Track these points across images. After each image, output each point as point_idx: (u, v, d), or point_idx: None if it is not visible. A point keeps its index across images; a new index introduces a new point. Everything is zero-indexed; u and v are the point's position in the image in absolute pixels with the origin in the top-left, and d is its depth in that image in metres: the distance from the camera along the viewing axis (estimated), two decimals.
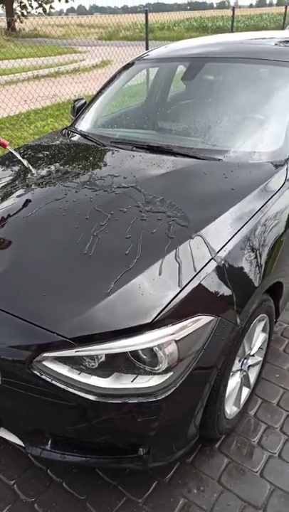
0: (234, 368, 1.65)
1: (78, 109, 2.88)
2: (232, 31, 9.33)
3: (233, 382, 1.71)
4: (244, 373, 1.82)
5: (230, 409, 1.74)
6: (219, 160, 1.95)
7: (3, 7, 30.19)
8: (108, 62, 13.80)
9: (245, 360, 1.78)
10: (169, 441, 1.45)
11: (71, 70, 13.29)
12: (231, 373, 1.62)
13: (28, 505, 1.60)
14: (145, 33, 5.98)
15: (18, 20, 27.73)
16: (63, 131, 2.67)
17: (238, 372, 1.76)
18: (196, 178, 1.84)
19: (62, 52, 13.73)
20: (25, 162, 2.16)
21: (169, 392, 1.31)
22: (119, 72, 2.90)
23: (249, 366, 1.84)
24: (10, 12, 28.87)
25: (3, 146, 2.22)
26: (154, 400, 1.30)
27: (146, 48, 6.15)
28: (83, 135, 2.47)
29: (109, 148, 2.24)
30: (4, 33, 21.05)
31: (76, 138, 2.48)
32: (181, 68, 2.84)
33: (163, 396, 1.30)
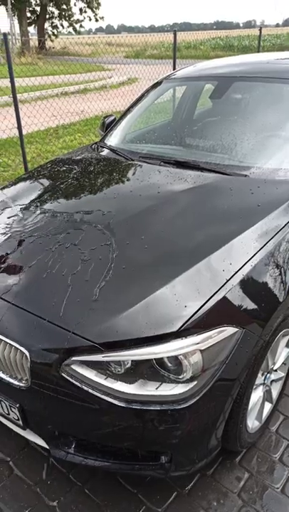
0: (257, 382, 1.66)
1: (108, 125, 2.98)
2: (258, 50, 9.44)
3: (256, 396, 1.72)
4: (267, 388, 1.82)
5: (252, 423, 1.74)
6: (246, 176, 1.99)
7: (35, 27, 31.41)
8: (135, 80, 14.13)
9: (268, 375, 1.79)
10: (190, 451, 1.47)
11: (99, 86, 13.65)
12: (254, 386, 1.63)
13: (50, 508, 1.63)
14: (173, 52, 6.11)
15: (48, 39, 28.75)
16: (93, 146, 2.77)
17: (261, 386, 1.76)
18: (223, 193, 1.88)
19: (90, 69, 14.12)
20: None
21: (193, 401, 1.33)
22: (149, 90, 3.00)
23: (272, 381, 1.84)
24: (41, 32, 29.99)
25: None
26: (178, 408, 1.32)
27: (174, 67, 6.28)
28: (112, 150, 2.55)
29: (137, 162, 2.31)
30: (35, 52, 21.88)
31: (105, 152, 2.57)
32: (208, 87, 2.93)
33: (186, 405, 1.33)
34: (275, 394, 1.89)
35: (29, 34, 28.73)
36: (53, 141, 6.82)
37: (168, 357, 1.32)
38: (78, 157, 2.58)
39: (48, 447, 1.55)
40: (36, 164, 5.48)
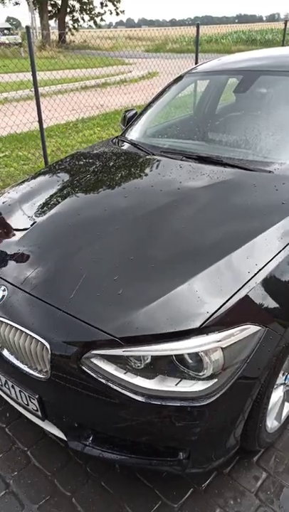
0: (278, 381, 1.63)
1: (129, 119, 2.97)
2: (283, 45, 9.25)
3: (276, 395, 1.69)
4: (287, 388, 1.79)
5: (272, 423, 1.72)
6: (270, 172, 1.96)
7: (56, 21, 31.50)
8: (155, 74, 14.04)
9: None
10: (208, 449, 1.46)
11: (118, 81, 13.62)
12: (275, 386, 1.61)
13: (67, 497, 1.65)
14: (195, 46, 6.04)
15: (69, 33, 28.82)
16: (114, 140, 2.76)
17: (282, 386, 1.74)
18: (246, 190, 1.85)
19: (110, 63, 14.08)
20: None
21: (213, 399, 1.32)
22: (171, 84, 2.97)
23: None
24: (62, 25, 30.07)
25: None
26: (197, 404, 1.31)
27: (196, 61, 6.21)
28: (133, 144, 2.54)
29: (159, 157, 2.29)
30: (55, 45, 21.94)
31: (126, 147, 2.56)
32: (231, 81, 2.88)
33: (206, 402, 1.31)
34: None
35: (50, 28, 28.91)
36: (72, 135, 6.84)
37: (188, 353, 1.31)
38: (99, 151, 2.57)
39: (65, 439, 1.56)
40: (56, 158, 5.51)
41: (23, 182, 2.39)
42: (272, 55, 2.82)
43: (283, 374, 1.71)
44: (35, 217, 1.92)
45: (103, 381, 1.35)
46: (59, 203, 2.02)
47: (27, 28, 4.01)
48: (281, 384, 1.73)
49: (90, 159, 2.47)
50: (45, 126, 4.48)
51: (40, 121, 4.31)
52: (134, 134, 2.73)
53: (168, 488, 1.67)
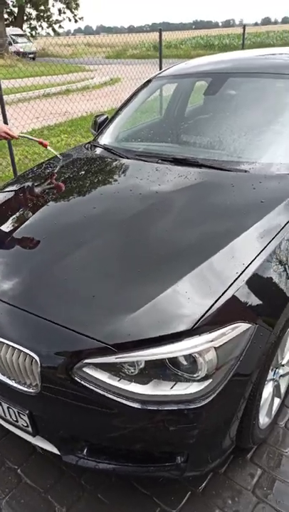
0: (268, 377, 1.65)
1: (100, 124, 2.95)
2: (243, 48, 9.50)
3: (267, 391, 1.71)
4: (276, 383, 1.81)
5: (263, 419, 1.73)
6: (246, 171, 1.99)
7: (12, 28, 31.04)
8: (117, 80, 14.08)
9: (277, 370, 1.78)
10: (206, 450, 1.45)
11: (81, 87, 13.56)
12: (266, 382, 1.62)
13: None
14: (159, 51, 6.11)
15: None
16: (86, 146, 2.73)
17: (271, 381, 1.76)
18: (225, 190, 1.87)
19: (71, 70, 14.02)
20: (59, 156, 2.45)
21: (209, 400, 1.31)
22: (140, 88, 2.97)
23: (280, 376, 1.84)
24: None
25: (44, 146, 2.53)
26: (194, 406, 1.30)
27: (160, 66, 6.27)
28: (107, 149, 2.52)
29: (134, 161, 2.28)
30: (14, 53, 21.69)
31: (100, 152, 2.53)
32: (199, 84, 2.92)
33: (203, 403, 1.31)
34: (283, 389, 1.89)
35: (7, 36, 28.52)
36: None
37: (182, 355, 1.30)
38: (73, 158, 2.54)
39: (59, 453, 1.51)
40: (24, 166, 5.41)
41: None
42: (238, 57, 2.88)
43: (272, 370, 1.73)
44: (11, 228, 1.87)
45: (97, 390, 1.31)
46: (35, 211, 1.97)
47: None
48: (270, 379, 1.75)
49: (63, 166, 2.43)
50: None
51: None
52: (107, 138, 2.71)
53: (165, 494, 1.65)
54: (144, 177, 2.07)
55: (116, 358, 1.31)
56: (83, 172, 2.26)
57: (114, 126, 2.79)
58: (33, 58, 24.93)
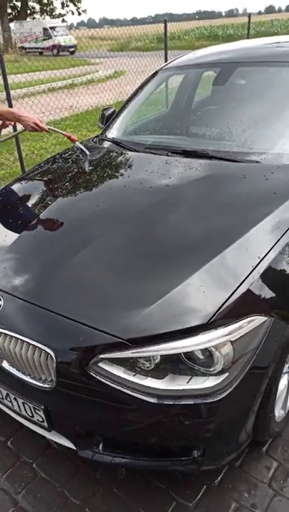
0: (284, 370, 1.63)
1: (108, 117, 2.92)
2: (248, 37, 9.37)
3: (282, 384, 1.69)
4: None
5: (279, 412, 1.72)
6: (257, 162, 1.96)
7: (15, 23, 30.94)
8: (122, 73, 13.98)
9: None
10: (222, 444, 1.44)
11: (85, 81, 13.49)
12: (281, 375, 1.61)
13: (78, 507, 1.60)
14: (164, 43, 6.04)
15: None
16: (94, 140, 2.71)
17: (287, 374, 1.74)
18: (237, 181, 1.84)
19: (75, 64, 13.94)
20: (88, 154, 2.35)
21: (226, 394, 1.30)
22: (148, 80, 2.94)
23: None
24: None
25: (73, 141, 2.42)
26: (211, 401, 1.29)
27: (166, 58, 6.20)
28: (116, 142, 2.50)
29: (144, 154, 2.26)
30: (18, 48, 21.61)
31: (109, 145, 2.51)
32: (206, 74, 2.88)
33: (220, 397, 1.30)
34: None
35: (11, 30, 28.36)
36: (46, 138, 6.72)
37: (198, 350, 1.29)
38: (82, 151, 2.52)
39: (75, 448, 1.52)
40: (31, 161, 5.40)
41: (4, 188, 2.31)
42: (246, 46, 2.84)
43: (287, 362, 1.72)
44: (24, 223, 1.86)
45: (112, 385, 1.31)
46: (46, 207, 1.96)
47: None
48: (286, 372, 1.73)
49: (72, 161, 2.41)
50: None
51: (14, 124, 4.19)
52: (115, 132, 2.69)
53: (181, 488, 1.65)
54: (154, 170, 2.05)
55: (132, 353, 1.30)
56: (92, 167, 2.24)
57: (122, 119, 2.77)
58: (72, 53, 22.97)
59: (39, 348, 1.37)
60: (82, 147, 2.40)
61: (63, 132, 2.51)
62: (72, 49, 23.97)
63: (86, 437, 1.49)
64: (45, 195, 2.05)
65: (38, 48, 25.47)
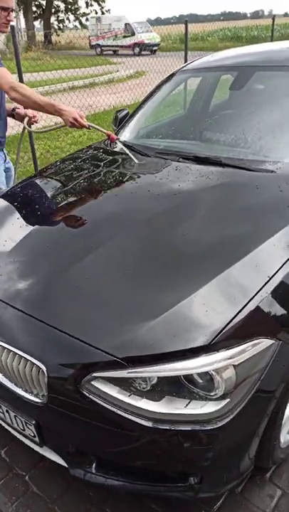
0: None
1: (121, 120, 2.85)
2: (272, 40, 9.19)
3: None
4: None
5: (285, 437, 1.62)
6: (272, 172, 1.86)
7: (41, 22, 31.24)
8: (142, 73, 13.92)
9: None
10: (222, 472, 1.36)
11: (106, 80, 13.47)
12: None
13: None
14: (184, 44, 5.94)
15: (55, 34, 28.60)
16: (106, 142, 2.64)
17: None
18: (249, 192, 1.75)
19: (96, 63, 13.94)
20: (130, 154, 2.18)
21: (226, 421, 1.22)
22: (164, 81, 2.86)
23: None
24: (47, 26, 29.82)
25: (112, 140, 2.31)
26: (210, 428, 1.21)
27: (185, 59, 6.11)
28: (127, 146, 2.43)
29: (154, 159, 2.18)
30: (41, 46, 21.74)
31: (119, 148, 2.44)
32: (224, 78, 2.78)
33: (219, 425, 1.21)
34: None
35: (35, 29, 28.54)
36: (61, 137, 6.71)
37: (198, 373, 1.21)
38: (91, 154, 2.46)
39: (66, 466, 1.45)
40: (46, 161, 5.37)
41: (10, 189, 2.27)
42: (266, 49, 2.73)
43: None
44: (26, 227, 1.80)
45: (106, 405, 1.24)
46: (51, 211, 1.91)
47: (12, 27, 3.88)
48: None
49: (81, 163, 2.35)
50: (33, 127, 4.34)
51: (28, 122, 4.16)
52: (127, 134, 2.62)
53: None
54: (164, 177, 1.97)
55: (128, 373, 1.22)
56: (99, 171, 2.17)
57: (134, 122, 2.70)
58: (154, 52, 20.06)
59: (31, 361, 1.31)
60: (124, 148, 2.24)
61: (104, 130, 2.38)
62: (155, 48, 21.29)
63: (78, 456, 1.42)
64: (47, 200, 1.99)
65: (116, 46, 23.24)
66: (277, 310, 1.32)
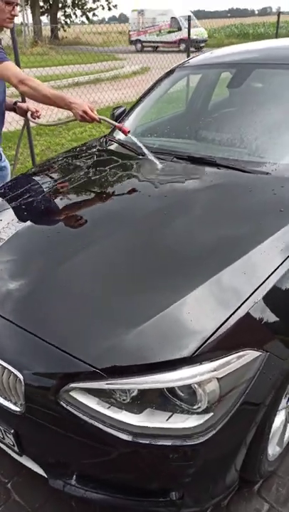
0: (280, 406, 1.48)
1: (117, 117, 2.79)
2: (276, 37, 9.08)
3: (278, 420, 1.54)
4: None
5: (273, 449, 1.57)
6: (267, 174, 1.80)
7: (48, 16, 31.09)
8: (148, 69, 13.82)
9: None
10: (206, 487, 1.31)
11: (111, 76, 13.38)
12: (277, 412, 1.46)
13: None
14: (187, 39, 5.86)
15: (61, 29, 28.41)
16: (101, 140, 2.59)
17: (284, 410, 1.59)
18: (242, 194, 1.69)
19: (102, 59, 13.84)
20: (145, 150, 2.05)
21: (209, 436, 1.16)
22: (161, 78, 2.80)
23: None
24: (54, 21, 29.64)
25: (124, 132, 2.18)
26: (192, 443, 1.16)
27: (188, 54, 6.03)
28: (121, 144, 2.37)
29: (147, 158, 2.12)
30: (48, 41, 21.62)
31: (114, 147, 2.39)
32: (225, 75, 2.71)
33: (201, 440, 1.16)
34: None
35: (42, 24, 28.33)
36: (63, 133, 6.65)
37: (180, 386, 1.15)
38: (85, 152, 2.41)
39: (46, 476, 1.41)
40: (45, 157, 5.32)
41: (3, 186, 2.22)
42: (267, 46, 2.66)
43: (285, 396, 1.56)
44: (11, 227, 1.75)
45: (83, 417, 1.19)
46: (39, 210, 1.86)
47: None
48: (283, 408, 1.58)
49: (75, 161, 2.30)
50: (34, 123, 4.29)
51: (26, 119, 4.11)
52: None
53: None
54: (156, 176, 1.92)
55: (106, 384, 1.17)
56: (92, 169, 2.12)
57: (130, 119, 2.63)
58: (200, 48, 18.35)
59: (8, 369, 1.26)
60: (136, 141, 2.12)
61: (115, 123, 2.31)
62: (203, 44, 19.76)
63: (58, 467, 1.38)
64: (35, 200, 1.92)
65: (160, 42, 21.24)
66: (265, 320, 1.27)
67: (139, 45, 22.24)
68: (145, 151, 2.05)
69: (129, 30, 22.94)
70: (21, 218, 1.79)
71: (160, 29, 21.75)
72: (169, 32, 21.41)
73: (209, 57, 2.67)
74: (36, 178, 2.20)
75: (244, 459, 1.36)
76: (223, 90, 2.62)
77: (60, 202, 1.89)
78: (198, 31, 20.03)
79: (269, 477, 1.65)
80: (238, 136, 2.04)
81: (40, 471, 1.42)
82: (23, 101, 2.95)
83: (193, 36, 17.52)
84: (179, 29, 20.48)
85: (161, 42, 21.41)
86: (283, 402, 1.54)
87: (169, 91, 2.72)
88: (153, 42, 22.00)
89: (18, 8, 2.23)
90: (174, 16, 21.37)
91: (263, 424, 1.33)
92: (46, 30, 27.18)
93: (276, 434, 1.57)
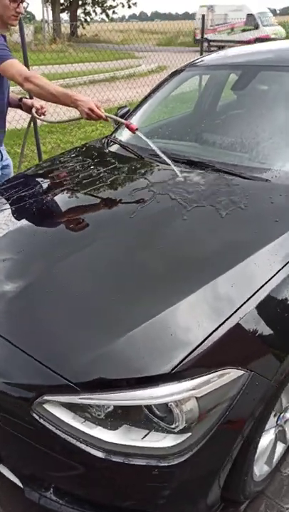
0: (268, 426, 1.41)
1: (121, 117, 2.73)
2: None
3: (267, 439, 1.48)
4: (280, 428, 1.57)
5: (261, 469, 1.50)
6: (267, 181, 1.73)
7: (67, 13, 31.20)
8: (164, 68, 13.73)
9: (281, 415, 1.54)
10: (183, 509, 1.25)
11: (127, 75, 13.33)
12: (264, 432, 1.39)
13: None
14: (200, 38, 5.77)
15: (80, 26, 28.46)
16: (103, 140, 2.55)
17: (273, 428, 1.52)
18: (237, 201, 1.62)
19: (119, 57, 13.81)
20: (153, 146, 1.98)
21: (185, 458, 1.11)
22: (167, 79, 2.74)
23: (286, 420, 1.59)
24: (74, 18, 29.75)
25: (131, 130, 2.10)
26: (167, 464, 1.10)
27: (201, 53, 5.94)
28: (122, 145, 2.32)
29: (146, 160, 2.07)
30: (66, 39, 21.70)
31: (115, 148, 2.35)
32: (233, 77, 2.64)
33: (178, 461, 1.10)
34: None
35: (62, 21, 28.42)
36: (74, 132, 6.63)
37: (156, 404, 1.10)
38: (86, 153, 2.37)
39: (21, 486, 1.37)
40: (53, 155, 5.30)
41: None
42: (277, 48, 2.58)
43: (275, 415, 1.49)
44: (2, 228, 1.72)
45: (56, 431, 1.14)
46: (32, 211, 1.82)
47: (20, 19, 3.80)
48: (272, 427, 1.51)
49: (74, 162, 2.26)
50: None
51: (32, 117, 4.09)
52: (125, 133, 2.50)
53: None
54: (152, 180, 1.86)
55: (79, 399, 1.13)
56: (90, 171, 2.07)
57: (134, 120, 2.58)
58: None
59: None
60: (145, 138, 2.03)
61: (122, 120, 2.23)
62: None
63: (33, 479, 1.34)
64: (29, 200, 1.89)
65: (232, 42, 17.31)
66: (250, 338, 1.20)
67: (205, 45, 18.32)
68: (153, 147, 1.97)
69: (195, 28, 18.99)
70: (11, 219, 1.76)
71: (233, 27, 18.84)
72: (244, 30, 18.42)
73: (215, 58, 2.60)
74: (33, 177, 2.17)
75: (227, 479, 1.30)
76: (229, 93, 2.55)
77: (49, 203, 1.85)
78: (277, 30, 17.95)
79: (256, 497, 1.59)
80: (238, 141, 1.97)
81: (17, 482, 1.38)
82: (30, 98, 2.93)
83: (271, 35, 16.66)
84: (256, 27, 17.86)
85: (234, 41, 17.75)
86: (272, 421, 1.47)
87: (173, 92, 2.66)
88: (225, 41, 18.14)
89: (22, 5, 2.20)
90: (250, 12, 18.21)
91: (246, 444, 1.26)
92: (65, 28, 27.28)
93: (264, 454, 1.51)
